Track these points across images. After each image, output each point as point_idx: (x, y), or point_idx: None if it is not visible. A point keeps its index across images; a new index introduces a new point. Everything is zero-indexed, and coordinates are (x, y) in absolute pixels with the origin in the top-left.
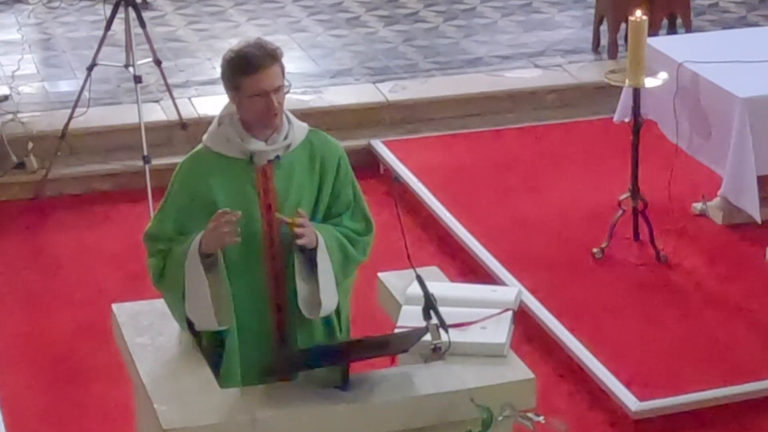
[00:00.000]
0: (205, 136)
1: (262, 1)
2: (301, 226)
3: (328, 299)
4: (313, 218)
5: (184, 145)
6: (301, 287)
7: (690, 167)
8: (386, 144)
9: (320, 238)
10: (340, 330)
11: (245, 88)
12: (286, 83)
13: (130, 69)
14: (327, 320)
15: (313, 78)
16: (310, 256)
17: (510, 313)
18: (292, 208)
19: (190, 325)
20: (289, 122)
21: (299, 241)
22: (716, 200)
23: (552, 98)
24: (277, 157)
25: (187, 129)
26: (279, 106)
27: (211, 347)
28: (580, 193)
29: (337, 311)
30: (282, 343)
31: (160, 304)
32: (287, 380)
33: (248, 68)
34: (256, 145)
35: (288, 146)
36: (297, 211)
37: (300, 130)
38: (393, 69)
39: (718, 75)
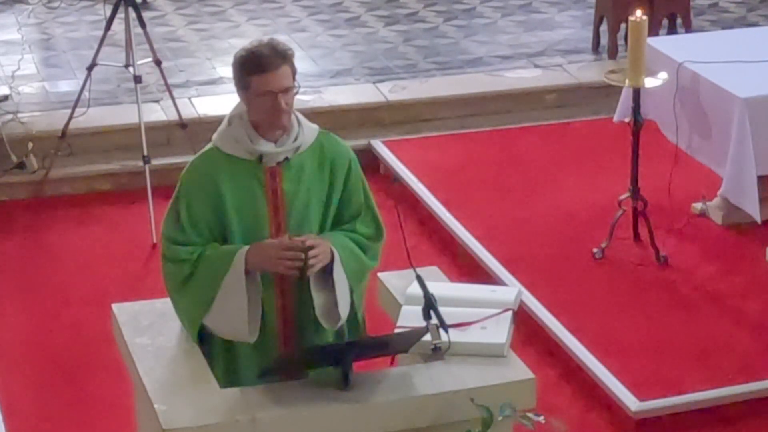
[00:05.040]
0: (214, 136)
1: (262, 1)
2: (315, 255)
3: (344, 310)
4: (323, 222)
5: (184, 145)
6: (318, 298)
7: (690, 167)
8: (386, 144)
9: (335, 253)
10: (349, 333)
11: (254, 87)
12: (295, 85)
13: (130, 69)
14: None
15: (313, 78)
16: (324, 269)
17: (510, 313)
18: (300, 210)
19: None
20: (299, 124)
21: (309, 271)
22: (716, 200)
23: (552, 98)
24: (286, 158)
25: (187, 129)
26: (287, 107)
27: (223, 351)
28: (580, 193)
29: (354, 317)
30: (287, 344)
31: (160, 304)
32: (293, 379)
33: (258, 67)
34: (265, 146)
35: (297, 148)
36: (305, 241)
37: (310, 132)
38: (393, 69)
39: (718, 75)
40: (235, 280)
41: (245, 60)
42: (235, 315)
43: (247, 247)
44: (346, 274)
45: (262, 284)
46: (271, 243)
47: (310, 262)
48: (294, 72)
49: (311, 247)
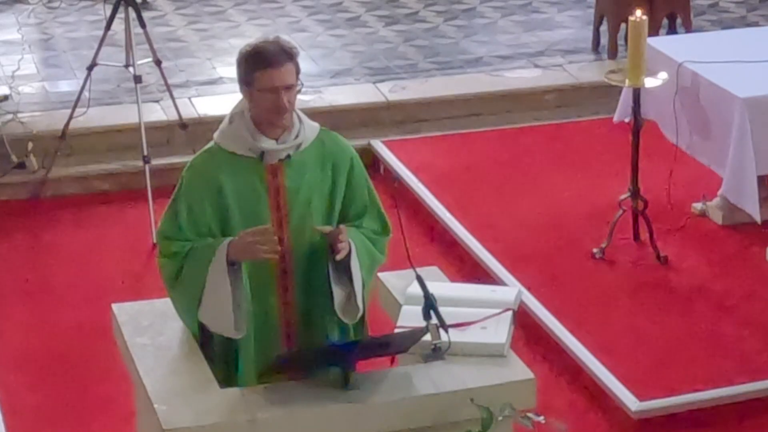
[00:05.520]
0: (216, 134)
1: (262, 1)
2: (342, 241)
3: (361, 303)
4: (328, 219)
5: (184, 145)
6: (337, 292)
7: (690, 167)
8: (386, 144)
9: (352, 245)
10: (354, 332)
11: (257, 83)
12: (299, 83)
13: (130, 69)
14: (341, 323)
15: (313, 78)
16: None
17: (510, 313)
18: (302, 207)
19: (201, 328)
20: (300, 121)
21: (338, 256)
22: (716, 200)
23: (552, 98)
24: (288, 155)
25: (187, 129)
26: (289, 105)
27: (223, 349)
28: (580, 193)
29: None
30: (289, 343)
31: (160, 304)
32: (296, 378)
33: (262, 63)
34: (267, 143)
35: (299, 145)
36: (339, 227)
37: (311, 129)
38: (393, 69)
39: (718, 75)
40: (219, 272)
41: (250, 55)
42: (220, 308)
43: (229, 239)
44: (361, 267)
45: (265, 282)
46: (246, 231)
47: (340, 246)
48: (298, 71)
49: (342, 232)
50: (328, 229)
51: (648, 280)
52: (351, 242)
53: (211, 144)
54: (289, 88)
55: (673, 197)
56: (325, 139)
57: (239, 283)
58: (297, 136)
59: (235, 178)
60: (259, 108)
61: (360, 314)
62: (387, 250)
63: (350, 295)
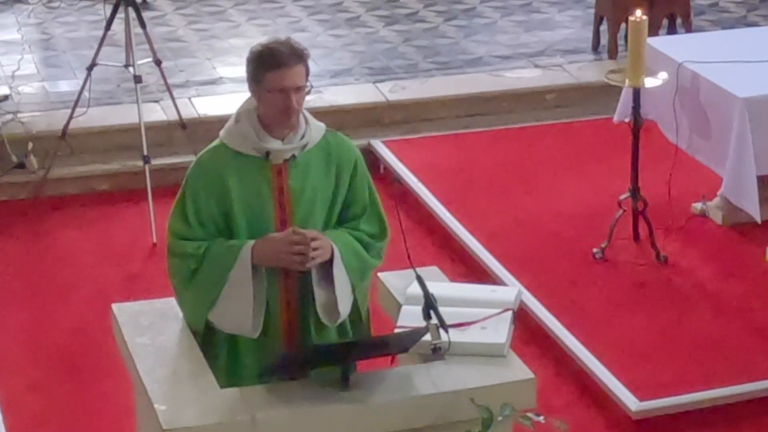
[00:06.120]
0: (222, 132)
1: (262, 1)
2: (316, 248)
3: (345, 308)
4: (328, 219)
5: (184, 145)
6: (319, 294)
7: (690, 167)
8: (386, 144)
9: (335, 250)
10: (353, 331)
11: (267, 83)
12: (308, 84)
13: (130, 69)
14: (340, 324)
15: (313, 78)
16: (324, 265)
17: (510, 313)
18: (306, 208)
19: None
20: (307, 122)
21: (308, 264)
22: (716, 200)
23: (552, 98)
24: (293, 156)
25: (187, 129)
26: (297, 106)
27: (224, 348)
28: (580, 193)
29: (358, 314)
30: (290, 341)
31: (160, 304)
32: (294, 379)
33: (273, 63)
34: (273, 143)
35: (304, 146)
36: (313, 234)
37: (317, 130)
38: (393, 69)
39: (718, 75)
40: (242, 275)
41: (262, 55)
42: (240, 309)
43: (253, 242)
44: (346, 271)
45: (268, 281)
46: (278, 237)
47: (312, 254)
48: (308, 72)
49: (315, 239)
50: (309, 232)
51: (648, 280)
52: (335, 247)
53: (216, 142)
54: (298, 89)
55: (673, 197)
56: (330, 140)
57: (261, 284)
58: (303, 137)
59: (240, 177)
60: (267, 108)
61: (341, 320)
62: (384, 253)
63: (335, 298)
